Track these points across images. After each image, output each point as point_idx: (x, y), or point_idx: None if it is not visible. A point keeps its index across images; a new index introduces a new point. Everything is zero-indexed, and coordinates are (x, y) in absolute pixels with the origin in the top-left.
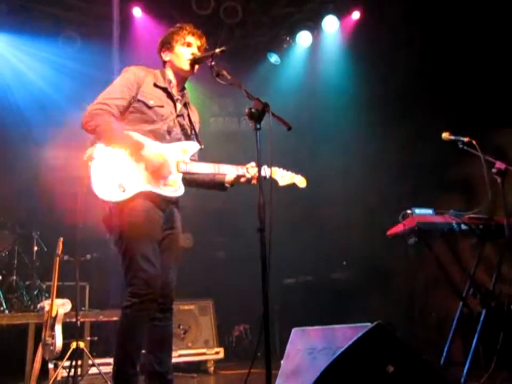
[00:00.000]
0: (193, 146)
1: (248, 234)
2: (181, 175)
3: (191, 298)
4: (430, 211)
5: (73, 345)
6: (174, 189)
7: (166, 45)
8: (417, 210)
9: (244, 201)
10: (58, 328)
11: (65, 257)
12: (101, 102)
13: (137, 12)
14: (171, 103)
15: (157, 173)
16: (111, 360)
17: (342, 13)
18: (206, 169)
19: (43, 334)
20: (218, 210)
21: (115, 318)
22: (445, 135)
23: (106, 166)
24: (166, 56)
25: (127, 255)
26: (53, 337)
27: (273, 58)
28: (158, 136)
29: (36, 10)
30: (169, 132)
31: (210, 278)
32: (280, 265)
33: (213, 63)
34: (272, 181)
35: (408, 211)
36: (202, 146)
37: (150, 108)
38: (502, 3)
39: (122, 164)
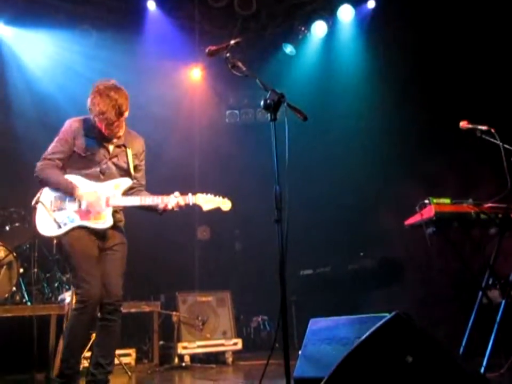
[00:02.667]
0: (125, 182)
1: (265, 226)
2: (111, 209)
3: (208, 289)
4: (447, 200)
5: (93, 336)
6: (103, 221)
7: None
8: (435, 200)
9: (259, 192)
10: None
11: None
12: (46, 158)
13: (151, 4)
14: (103, 148)
15: (88, 208)
16: (131, 350)
17: (357, 2)
18: (132, 202)
19: (64, 324)
20: (234, 202)
21: (134, 310)
22: (463, 124)
23: (47, 207)
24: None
25: (71, 272)
26: None
27: (288, 49)
28: (93, 178)
29: (51, 4)
30: (102, 173)
31: (228, 270)
32: (297, 257)
33: (228, 54)
34: (196, 206)
35: (426, 201)
36: (135, 181)
37: (83, 156)
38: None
39: (60, 204)
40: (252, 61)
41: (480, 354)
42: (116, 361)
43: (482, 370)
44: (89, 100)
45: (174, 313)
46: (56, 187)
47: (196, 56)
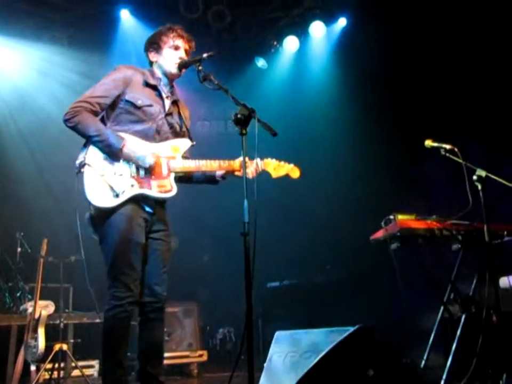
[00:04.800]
0: (185, 144)
1: (233, 237)
2: (173, 174)
3: (175, 301)
4: (412, 216)
5: (56, 347)
6: (167, 189)
7: (154, 45)
8: (400, 216)
9: (229, 203)
10: (41, 330)
11: (50, 259)
12: (84, 100)
13: (125, 14)
14: (160, 102)
15: (149, 172)
16: (94, 362)
17: (328, 19)
18: (196, 165)
19: (25, 336)
20: (203, 212)
21: (99, 320)
22: (428, 142)
23: (98, 172)
24: (153, 57)
25: (109, 258)
26: (35, 339)
27: (260, 62)
28: (147, 136)
29: (20, 9)
30: (158, 131)
31: (195, 281)
32: (264, 269)
33: (200, 67)
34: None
35: (391, 216)
36: (194, 143)
37: (138, 108)
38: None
39: (115, 168)
40: (223, 72)
41: (441, 367)
42: (78, 373)
43: (442, 383)
44: (155, 39)
45: None
46: (93, 135)
47: None
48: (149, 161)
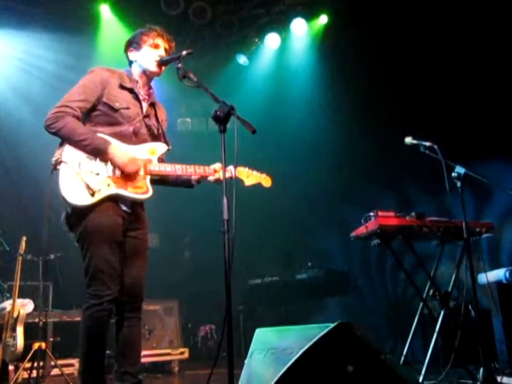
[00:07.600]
0: (161, 147)
1: (214, 235)
2: (149, 177)
3: (156, 298)
4: (392, 213)
5: (36, 346)
6: (143, 191)
7: (134, 44)
8: (380, 213)
9: (209, 201)
10: (19, 329)
11: (28, 257)
12: (64, 104)
13: (105, 10)
14: (137, 104)
15: (127, 173)
16: (74, 361)
17: (310, 16)
18: (172, 169)
19: (3, 335)
20: (184, 210)
21: (78, 319)
22: (407, 140)
23: (74, 169)
24: (133, 56)
25: (86, 256)
26: (14, 338)
27: (242, 59)
28: (125, 138)
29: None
30: (135, 134)
31: (176, 278)
32: (245, 266)
33: (179, 65)
34: (237, 181)
35: (371, 213)
36: (170, 148)
37: (115, 110)
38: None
39: (91, 167)
40: (205, 69)
41: (420, 362)
42: (58, 371)
43: (421, 378)
44: (135, 38)
45: None
46: (79, 139)
47: None
48: (130, 168)
